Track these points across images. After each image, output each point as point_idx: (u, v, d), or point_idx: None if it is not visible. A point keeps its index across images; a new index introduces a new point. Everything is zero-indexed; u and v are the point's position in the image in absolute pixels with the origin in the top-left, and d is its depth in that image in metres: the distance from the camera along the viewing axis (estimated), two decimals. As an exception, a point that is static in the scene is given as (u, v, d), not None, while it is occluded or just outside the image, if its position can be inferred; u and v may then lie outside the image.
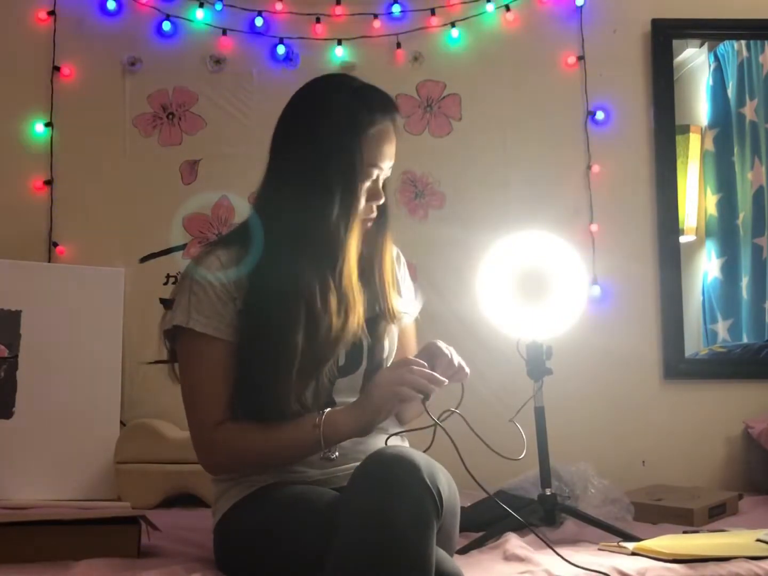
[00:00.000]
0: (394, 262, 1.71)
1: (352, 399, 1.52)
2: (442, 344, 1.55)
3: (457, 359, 1.55)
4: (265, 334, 1.47)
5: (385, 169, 1.56)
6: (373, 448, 1.41)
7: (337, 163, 1.49)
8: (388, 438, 1.48)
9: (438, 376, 1.45)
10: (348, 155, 1.49)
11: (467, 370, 1.56)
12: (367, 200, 1.55)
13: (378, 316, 1.62)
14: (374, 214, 1.58)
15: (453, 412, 1.49)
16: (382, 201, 1.58)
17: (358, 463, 1.35)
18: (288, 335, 1.47)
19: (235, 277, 1.52)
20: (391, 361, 1.66)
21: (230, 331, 1.50)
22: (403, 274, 1.76)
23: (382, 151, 1.53)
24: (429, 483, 1.27)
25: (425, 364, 1.47)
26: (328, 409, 1.48)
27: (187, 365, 1.53)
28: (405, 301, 1.71)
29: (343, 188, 1.50)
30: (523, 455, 1.60)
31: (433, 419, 1.46)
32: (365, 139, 1.50)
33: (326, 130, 1.50)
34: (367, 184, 1.54)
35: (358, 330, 1.55)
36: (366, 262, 1.62)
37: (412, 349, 1.73)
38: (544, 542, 1.60)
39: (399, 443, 1.60)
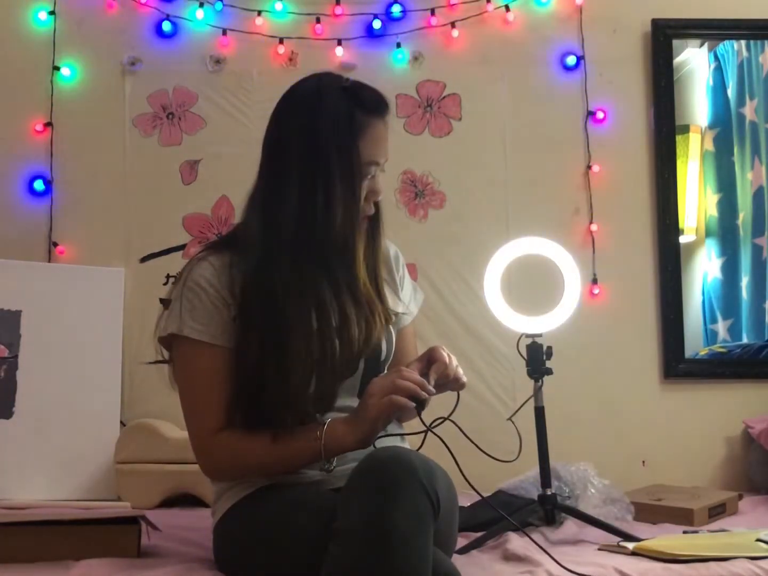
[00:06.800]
0: (391, 260, 1.71)
1: (351, 401, 1.52)
2: (444, 351, 1.52)
3: (453, 370, 1.50)
4: (270, 342, 1.45)
5: (381, 164, 1.56)
6: (370, 449, 1.40)
7: (337, 165, 1.49)
8: (376, 438, 1.45)
9: (427, 384, 1.43)
10: (348, 157, 1.49)
11: (463, 380, 1.53)
12: (367, 198, 1.55)
13: None
14: (372, 211, 1.58)
15: (445, 419, 1.47)
16: (381, 196, 1.58)
17: (356, 464, 1.35)
18: (298, 344, 1.45)
19: (228, 283, 1.50)
20: (389, 362, 1.65)
21: (226, 337, 1.49)
22: (403, 274, 1.75)
23: (379, 148, 1.54)
24: (426, 484, 1.27)
25: (416, 372, 1.45)
26: (329, 420, 1.46)
27: (184, 373, 1.53)
28: (404, 302, 1.70)
29: (345, 189, 1.49)
30: (516, 457, 1.59)
31: (425, 425, 1.45)
32: (362, 138, 1.50)
33: (324, 134, 1.49)
34: (366, 181, 1.54)
35: (381, 338, 1.54)
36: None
37: (411, 351, 1.71)
38: (537, 545, 1.58)
39: (399, 444, 1.59)
